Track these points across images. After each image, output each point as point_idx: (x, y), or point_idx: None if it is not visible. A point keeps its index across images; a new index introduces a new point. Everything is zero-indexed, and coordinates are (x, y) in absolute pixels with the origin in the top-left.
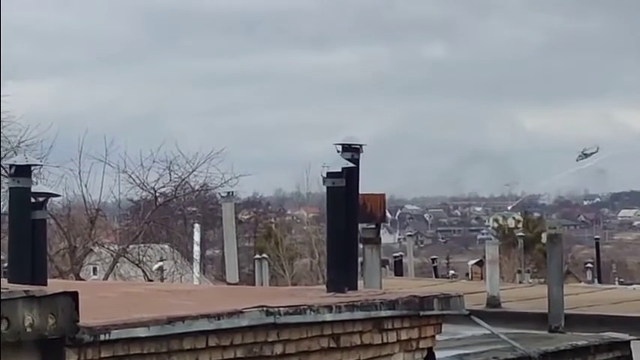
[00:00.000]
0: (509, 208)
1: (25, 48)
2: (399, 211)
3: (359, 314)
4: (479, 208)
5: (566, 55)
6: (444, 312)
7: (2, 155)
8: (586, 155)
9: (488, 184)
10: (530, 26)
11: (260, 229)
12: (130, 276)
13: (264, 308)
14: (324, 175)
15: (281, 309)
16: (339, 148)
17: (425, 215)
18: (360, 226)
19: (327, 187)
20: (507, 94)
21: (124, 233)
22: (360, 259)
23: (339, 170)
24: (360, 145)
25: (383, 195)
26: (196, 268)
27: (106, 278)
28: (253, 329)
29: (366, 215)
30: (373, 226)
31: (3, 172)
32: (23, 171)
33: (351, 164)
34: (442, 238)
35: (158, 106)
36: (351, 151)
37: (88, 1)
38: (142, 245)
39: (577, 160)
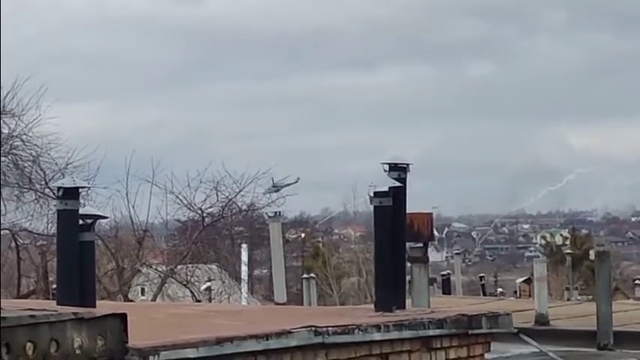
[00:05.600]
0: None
1: (73, 71)
2: (446, 229)
3: (407, 333)
4: (526, 226)
5: (613, 74)
6: (493, 330)
7: (50, 177)
8: (276, 188)
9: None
10: (576, 45)
11: (307, 248)
12: (178, 296)
13: (313, 328)
14: (372, 195)
15: (329, 329)
16: (386, 167)
17: (472, 233)
18: (408, 245)
19: (375, 207)
20: (554, 113)
21: (171, 254)
22: (407, 278)
23: (386, 189)
24: (407, 165)
25: (430, 214)
26: (244, 288)
27: (154, 299)
28: (302, 349)
29: (414, 234)
30: (421, 244)
31: (51, 193)
32: (71, 193)
33: (398, 183)
34: (490, 256)
35: (203, 129)
36: (398, 170)
37: (133, 26)
38: (190, 266)
39: (264, 194)
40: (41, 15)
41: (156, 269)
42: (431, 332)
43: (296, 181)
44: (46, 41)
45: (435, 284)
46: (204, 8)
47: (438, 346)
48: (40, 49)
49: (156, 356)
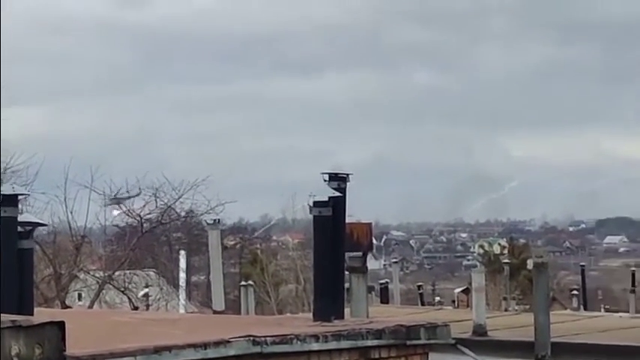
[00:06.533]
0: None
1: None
2: (384, 237)
3: (345, 343)
4: (464, 234)
5: (556, 83)
6: (431, 341)
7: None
8: (117, 200)
9: (476, 211)
10: (520, 53)
11: (246, 254)
12: (116, 303)
13: (251, 338)
14: (311, 204)
15: (268, 338)
16: (326, 177)
17: (411, 241)
18: (347, 254)
19: (314, 216)
20: (497, 120)
21: (109, 259)
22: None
23: (326, 199)
24: (347, 175)
25: (370, 224)
26: (182, 294)
27: (91, 305)
28: (240, 359)
29: (353, 244)
30: (360, 254)
31: None
32: (10, 200)
33: (337, 193)
34: (428, 265)
35: (144, 133)
36: (338, 180)
37: (80, 27)
38: (128, 272)
39: (104, 207)
40: None
41: (93, 275)
42: (369, 342)
43: (138, 194)
44: None
45: (372, 292)
46: (153, 11)
47: (377, 356)
48: None
49: None
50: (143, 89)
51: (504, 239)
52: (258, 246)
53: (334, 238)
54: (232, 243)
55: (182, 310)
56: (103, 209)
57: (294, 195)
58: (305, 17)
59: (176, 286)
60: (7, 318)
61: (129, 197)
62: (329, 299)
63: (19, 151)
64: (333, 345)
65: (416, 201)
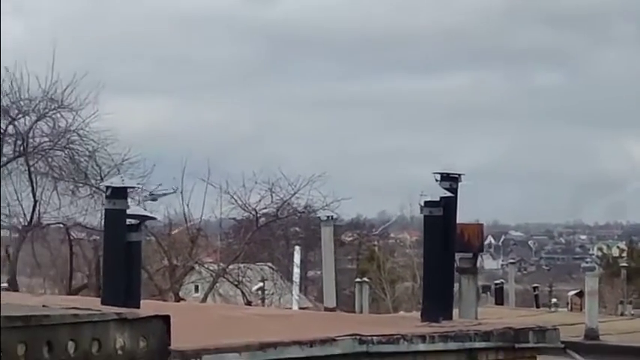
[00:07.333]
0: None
1: (141, 67)
2: (503, 237)
3: (452, 345)
4: (583, 236)
5: None
6: (539, 345)
7: (106, 173)
8: (153, 197)
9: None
10: None
11: (363, 251)
12: (230, 295)
13: (358, 337)
14: (422, 204)
15: (374, 338)
16: (438, 177)
17: (529, 242)
18: (457, 255)
19: (425, 216)
20: (619, 122)
21: (224, 253)
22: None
23: (437, 199)
24: (459, 175)
25: (481, 225)
26: (296, 289)
27: (205, 298)
28: (346, 357)
29: (464, 245)
30: (470, 255)
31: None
32: (119, 193)
33: (449, 193)
34: (546, 266)
35: (263, 129)
36: (450, 180)
37: (203, 24)
38: (242, 266)
39: (140, 203)
40: (120, 10)
41: (208, 268)
42: (477, 344)
43: (174, 191)
44: (119, 36)
45: (488, 292)
46: (275, 9)
47: (484, 359)
48: (115, 45)
49: (198, 359)
50: (262, 86)
51: (624, 242)
52: (376, 243)
53: (444, 238)
54: (350, 239)
55: (295, 306)
56: (218, 203)
57: (411, 191)
58: (428, 20)
59: (290, 280)
60: (112, 310)
61: (164, 194)
62: (437, 300)
63: (135, 143)
64: (440, 346)
65: (535, 202)
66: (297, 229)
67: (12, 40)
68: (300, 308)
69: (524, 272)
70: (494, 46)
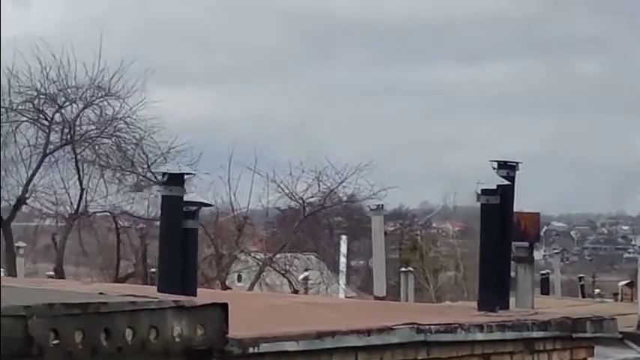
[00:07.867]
0: None
1: (187, 54)
2: (545, 228)
3: (510, 334)
4: (626, 227)
5: None
6: (597, 335)
7: (152, 161)
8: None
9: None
10: None
11: (405, 240)
12: (276, 285)
13: (415, 325)
14: (479, 192)
15: (432, 327)
16: (495, 165)
17: (571, 232)
18: (514, 244)
19: (481, 205)
20: None
21: (270, 242)
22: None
23: (494, 187)
24: (517, 163)
25: (537, 214)
26: (342, 279)
27: (251, 287)
28: (403, 346)
29: (520, 233)
30: (527, 244)
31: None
32: (176, 179)
33: (506, 182)
34: (588, 256)
35: (309, 117)
36: (507, 168)
37: (249, 11)
38: (289, 255)
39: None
40: None
41: (254, 257)
42: (534, 334)
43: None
44: (166, 23)
45: None
46: None
47: (541, 348)
48: (162, 33)
49: (256, 348)
50: (307, 74)
51: None
52: (418, 232)
53: (501, 227)
54: (392, 229)
55: (342, 295)
56: (265, 191)
57: (455, 181)
58: (473, 7)
59: (336, 270)
60: (170, 298)
61: (157, 184)
62: (494, 289)
63: (183, 131)
64: (497, 335)
65: (577, 192)
66: (340, 218)
67: (59, 26)
68: (347, 297)
69: (567, 262)
70: (534, 33)
